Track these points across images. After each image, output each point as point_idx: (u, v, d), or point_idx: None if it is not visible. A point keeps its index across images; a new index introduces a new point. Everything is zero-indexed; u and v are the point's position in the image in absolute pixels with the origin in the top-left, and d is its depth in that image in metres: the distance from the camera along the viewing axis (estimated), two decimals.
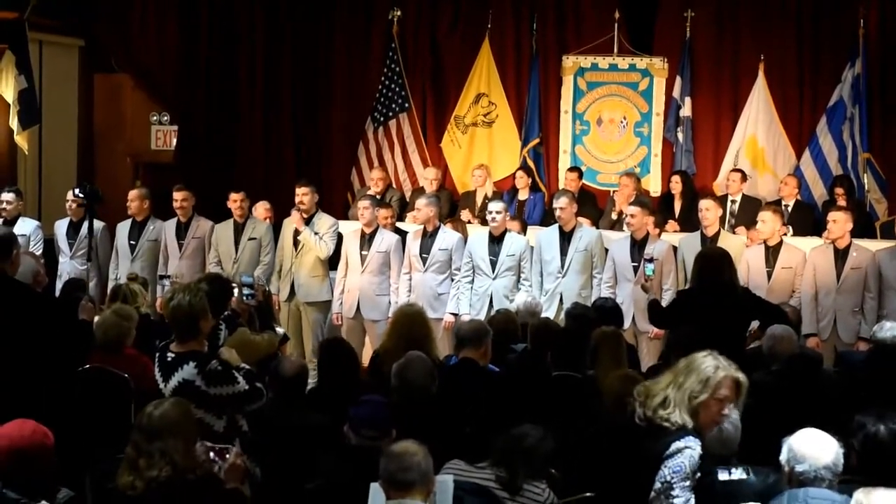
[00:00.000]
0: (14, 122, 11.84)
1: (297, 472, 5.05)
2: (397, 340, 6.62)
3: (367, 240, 10.15)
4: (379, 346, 7.23)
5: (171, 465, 4.51)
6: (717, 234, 9.75)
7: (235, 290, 7.60)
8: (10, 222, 10.39)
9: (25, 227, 10.48)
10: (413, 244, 10.13)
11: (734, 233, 10.55)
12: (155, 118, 13.80)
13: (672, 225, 11.03)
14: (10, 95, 11.78)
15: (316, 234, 10.09)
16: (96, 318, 6.92)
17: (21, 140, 11.94)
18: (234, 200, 10.52)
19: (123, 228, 10.81)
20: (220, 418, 5.35)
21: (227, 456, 5.01)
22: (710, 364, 4.55)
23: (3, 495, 4.31)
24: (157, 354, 5.66)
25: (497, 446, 4.87)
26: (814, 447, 4.35)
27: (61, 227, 10.90)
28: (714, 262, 7.60)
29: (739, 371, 4.61)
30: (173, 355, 5.50)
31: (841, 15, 12.13)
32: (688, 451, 4.40)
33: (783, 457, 4.42)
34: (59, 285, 9.95)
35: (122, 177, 13.42)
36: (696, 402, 4.49)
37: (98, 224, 10.31)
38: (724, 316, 7.16)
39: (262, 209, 10.91)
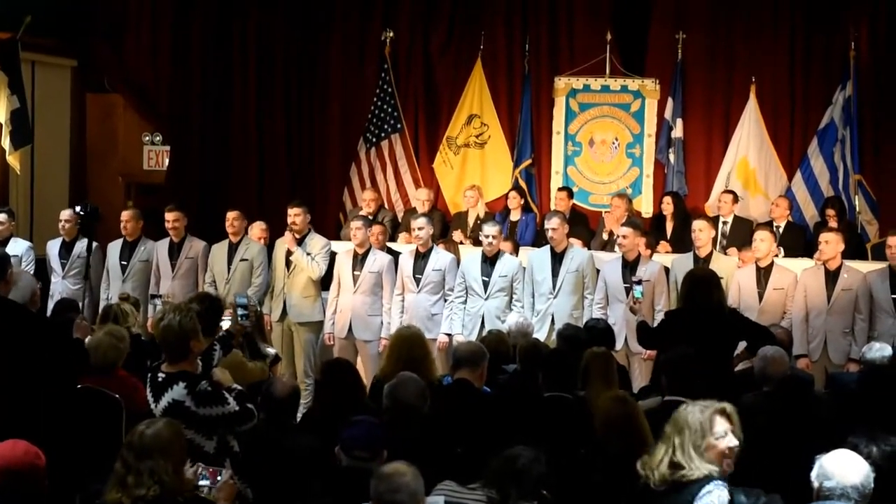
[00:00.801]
0: (6, 142, 11.86)
1: (289, 494, 5.05)
2: (396, 363, 6.61)
3: (359, 260, 10.16)
4: (379, 371, 7.22)
5: (159, 485, 4.50)
6: (710, 254, 9.77)
7: (229, 312, 7.66)
8: (2, 243, 10.40)
9: (17, 247, 10.49)
10: (406, 265, 10.14)
11: (725, 254, 10.57)
12: (147, 138, 13.83)
13: (664, 246, 11.05)
14: (2, 115, 11.79)
15: (308, 254, 10.10)
16: (89, 338, 6.93)
17: (13, 160, 11.96)
18: (229, 220, 10.51)
19: (114, 248, 10.80)
20: (210, 439, 5.35)
21: (219, 477, 5.01)
22: (694, 410, 4.55)
23: None
24: (149, 374, 5.66)
25: (490, 467, 4.87)
26: (844, 466, 4.38)
27: (53, 247, 10.90)
28: (702, 284, 7.63)
29: (722, 402, 4.61)
30: (164, 375, 5.50)
31: (832, 37, 12.19)
32: (716, 492, 4.37)
33: (813, 473, 4.44)
34: (50, 305, 9.94)
35: (114, 197, 13.43)
36: (703, 449, 4.45)
37: (92, 244, 10.31)
38: (712, 337, 7.18)
39: (257, 230, 10.91)
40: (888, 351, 7.48)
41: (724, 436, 4.45)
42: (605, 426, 5.40)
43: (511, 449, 4.89)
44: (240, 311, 6.85)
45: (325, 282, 10.31)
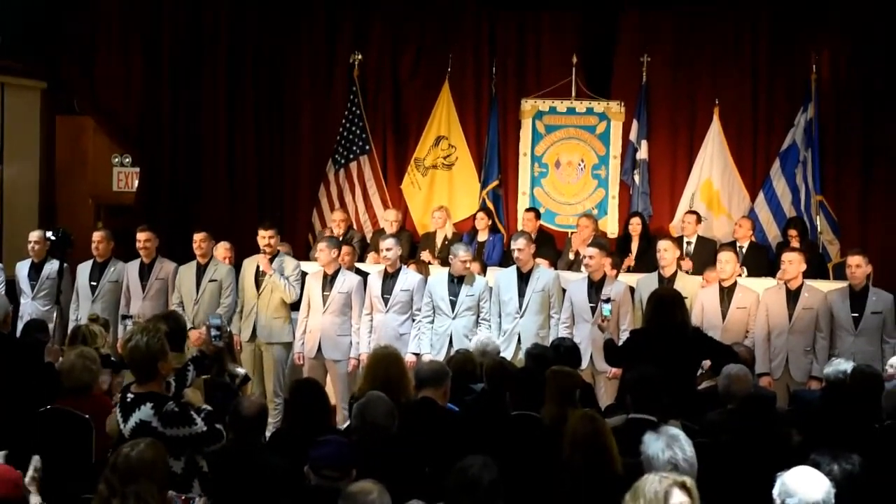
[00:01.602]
0: None
1: None
2: (373, 382, 6.58)
3: (328, 280, 10.17)
4: (357, 389, 7.21)
5: None
6: (675, 274, 9.84)
7: (200, 332, 7.65)
8: None
9: None
10: (375, 285, 10.15)
11: (687, 273, 10.64)
12: (117, 160, 13.80)
13: (629, 259, 11.12)
14: None
15: (284, 277, 10.10)
16: (60, 360, 6.91)
17: None
18: (196, 241, 10.48)
19: (84, 269, 10.77)
20: (178, 459, 5.32)
21: None
22: (654, 480, 4.50)
23: None
24: (119, 395, 5.66)
25: (446, 485, 4.88)
26: (806, 483, 4.42)
27: (23, 268, 10.85)
28: (667, 303, 7.67)
29: (683, 476, 4.57)
30: (132, 396, 5.50)
31: (794, 61, 12.30)
32: None
33: (775, 490, 4.47)
34: (20, 326, 9.89)
35: (84, 218, 13.39)
36: None
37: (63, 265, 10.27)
38: (676, 356, 7.22)
39: (222, 249, 10.88)
40: (848, 366, 7.55)
41: None
42: (573, 444, 5.41)
43: (461, 461, 4.91)
44: (213, 332, 6.86)
45: (294, 303, 10.31)
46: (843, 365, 7.54)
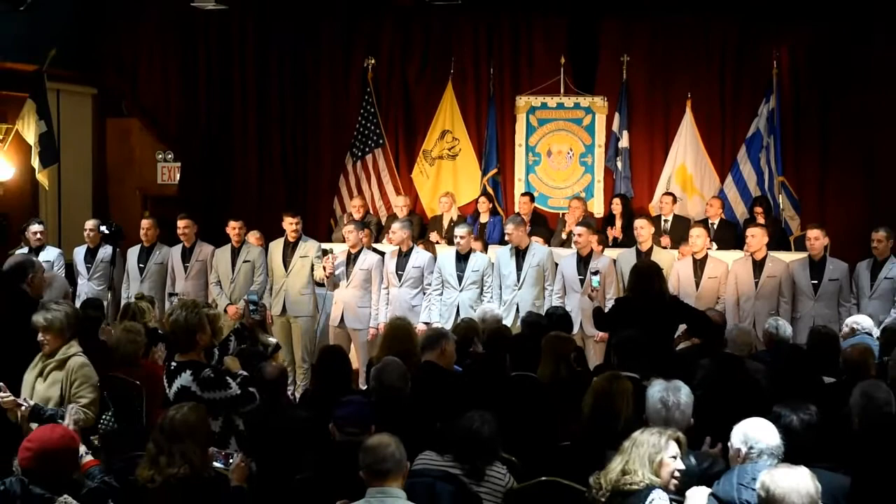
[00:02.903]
0: (36, 162, 11.80)
1: (287, 466, 5.06)
2: (388, 349, 6.58)
3: (352, 259, 10.19)
4: (374, 356, 7.21)
5: (188, 465, 4.54)
6: (651, 249, 9.82)
7: (240, 306, 7.64)
8: (38, 250, 10.40)
9: (49, 254, 10.47)
10: (390, 263, 10.18)
11: (662, 246, 10.61)
12: (160, 156, 13.81)
13: (612, 231, 11.12)
14: (31, 138, 11.73)
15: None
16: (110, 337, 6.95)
17: (42, 177, 11.91)
18: (233, 228, 10.49)
19: (133, 253, 10.80)
20: (216, 419, 5.35)
21: (231, 459, 5.02)
22: (654, 431, 4.47)
23: (29, 491, 4.33)
24: (165, 363, 5.68)
25: (450, 440, 4.89)
26: (764, 431, 4.47)
27: (79, 253, 10.88)
28: (646, 274, 7.67)
29: (677, 431, 4.56)
30: (175, 364, 5.53)
31: (757, 58, 12.25)
32: (658, 501, 4.27)
33: (737, 439, 4.49)
34: (77, 304, 9.91)
35: (132, 207, 13.42)
36: (655, 463, 4.35)
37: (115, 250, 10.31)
38: (655, 320, 7.21)
39: (252, 237, 10.91)
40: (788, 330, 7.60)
41: (675, 458, 4.39)
42: (594, 395, 5.35)
43: (463, 417, 4.92)
44: (251, 307, 6.89)
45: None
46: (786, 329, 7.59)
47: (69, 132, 12.67)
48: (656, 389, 4.90)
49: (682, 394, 4.88)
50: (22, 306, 6.07)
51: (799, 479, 3.87)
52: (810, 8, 11.86)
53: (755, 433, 4.46)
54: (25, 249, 10.53)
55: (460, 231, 10.00)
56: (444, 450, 4.97)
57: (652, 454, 4.35)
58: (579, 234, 9.77)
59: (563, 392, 6.18)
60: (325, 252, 10.21)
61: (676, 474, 4.39)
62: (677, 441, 4.45)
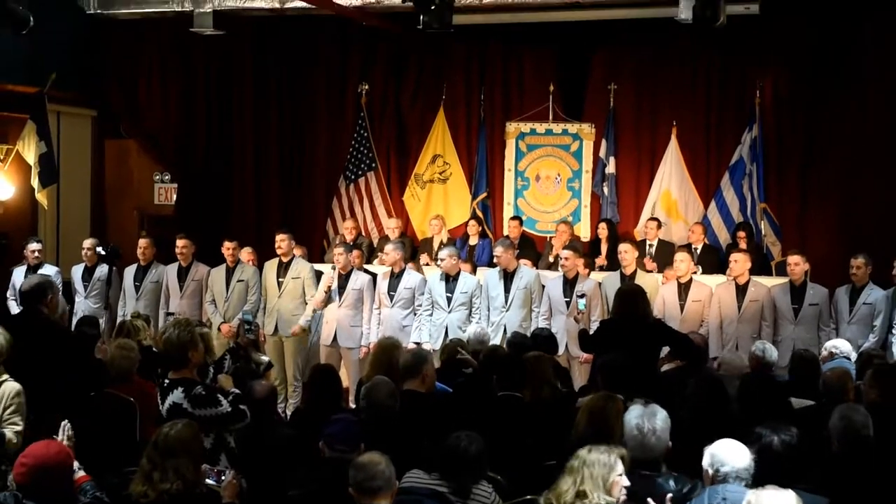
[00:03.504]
0: (35, 182, 11.80)
1: (277, 483, 5.04)
2: (378, 368, 6.56)
3: (343, 279, 10.18)
4: (364, 375, 7.17)
5: (181, 481, 4.51)
6: (634, 272, 9.83)
7: (232, 325, 7.60)
8: (35, 268, 10.40)
9: (47, 272, 10.40)
10: (382, 283, 10.18)
11: (648, 270, 10.63)
12: (158, 177, 13.82)
13: (601, 259, 11.12)
14: (31, 158, 11.73)
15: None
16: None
17: (41, 197, 11.90)
18: (227, 248, 10.52)
19: (130, 272, 10.81)
20: (207, 436, 5.31)
21: (223, 476, 5.00)
22: (600, 450, 4.44)
23: None
24: (159, 380, 5.66)
25: (437, 458, 4.86)
26: (733, 452, 4.44)
27: (77, 271, 10.88)
28: (630, 297, 7.65)
29: (621, 448, 4.55)
30: (168, 381, 5.51)
31: (740, 87, 12.28)
32: None
33: (706, 461, 4.47)
34: (74, 321, 9.90)
35: (130, 227, 13.43)
36: (610, 480, 4.34)
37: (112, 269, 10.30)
38: (639, 343, 7.19)
39: (245, 254, 10.91)
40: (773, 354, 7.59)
41: (622, 475, 4.39)
42: (590, 417, 5.33)
43: (451, 437, 4.90)
44: (246, 327, 6.87)
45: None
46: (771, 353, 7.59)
47: (68, 153, 12.68)
48: (633, 415, 4.85)
49: (658, 419, 4.84)
50: (41, 328, 6.05)
51: (784, 502, 3.87)
52: (791, 40, 11.93)
53: (722, 455, 4.44)
54: (24, 267, 10.54)
55: (443, 254, 10.05)
56: (432, 468, 4.95)
57: (605, 475, 4.34)
58: (566, 258, 9.78)
59: (547, 412, 6.17)
60: (317, 273, 10.23)
61: (624, 491, 4.38)
62: (622, 458, 4.45)
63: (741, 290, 9.49)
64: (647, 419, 4.81)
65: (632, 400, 5.53)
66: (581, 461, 4.36)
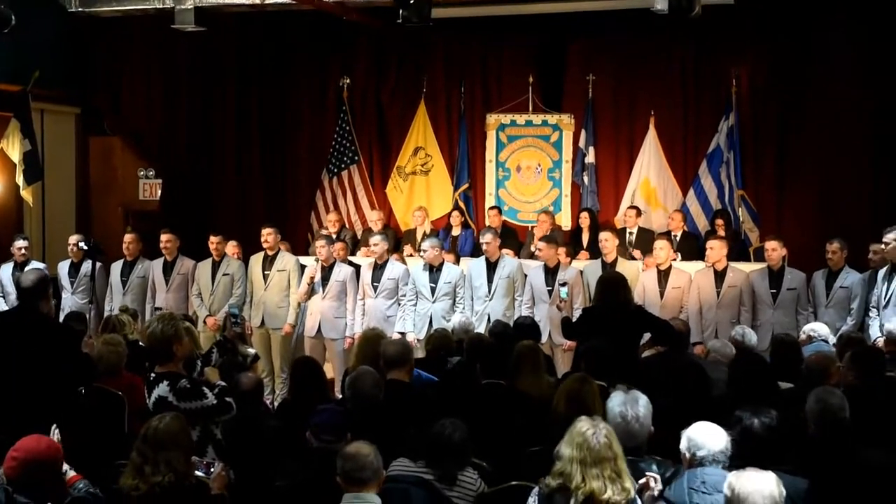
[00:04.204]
0: (20, 179, 11.72)
1: (265, 473, 5.03)
2: (363, 359, 6.55)
3: (326, 271, 10.17)
4: (349, 367, 7.17)
5: (173, 473, 4.51)
6: (615, 260, 9.85)
7: (217, 318, 7.56)
8: (22, 265, 10.34)
9: (34, 269, 10.39)
10: (366, 274, 10.17)
11: (633, 258, 10.66)
12: (142, 173, 13.72)
13: (583, 254, 11.13)
14: (16, 156, 11.65)
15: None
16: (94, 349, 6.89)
17: (26, 194, 11.83)
18: (213, 242, 10.50)
19: (116, 267, 10.75)
20: (193, 428, 5.30)
21: (212, 469, 4.99)
22: (586, 420, 4.29)
23: (14, 500, 4.29)
24: (146, 374, 5.64)
25: (423, 446, 4.86)
26: (710, 436, 4.45)
27: (63, 267, 10.81)
28: (611, 285, 7.67)
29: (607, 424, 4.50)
30: (154, 375, 5.49)
31: (716, 77, 12.32)
32: None
33: (683, 445, 4.49)
34: (61, 317, 9.86)
35: (115, 223, 13.32)
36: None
37: (96, 265, 10.25)
38: (620, 329, 7.21)
39: (230, 248, 10.89)
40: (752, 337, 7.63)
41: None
42: (566, 398, 5.37)
43: (436, 425, 4.90)
44: (233, 320, 6.87)
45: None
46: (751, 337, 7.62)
47: (53, 150, 12.58)
48: (615, 402, 4.84)
49: (640, 405, 4.84)
50: (39, 323, 6.03)
51: (764, 483, 3.89)
52: (766, 29, 11.96)
53: (699, 438, 4.46)
54: (11, 265, 10.48)
55: (426, 244, 10.07)
56: (417, 456, 4.96)
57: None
58: (540, 249, 9.92)
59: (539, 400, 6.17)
60: (301, 267, 10.23)
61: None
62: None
63: (719, 276, 9.51)
64: (630, 406, 4.81)
65: (614, 386, 5.55)
66: (569, 435, 4.21)
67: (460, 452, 4.89)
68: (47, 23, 12.21)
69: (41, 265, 10.67)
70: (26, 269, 10.22)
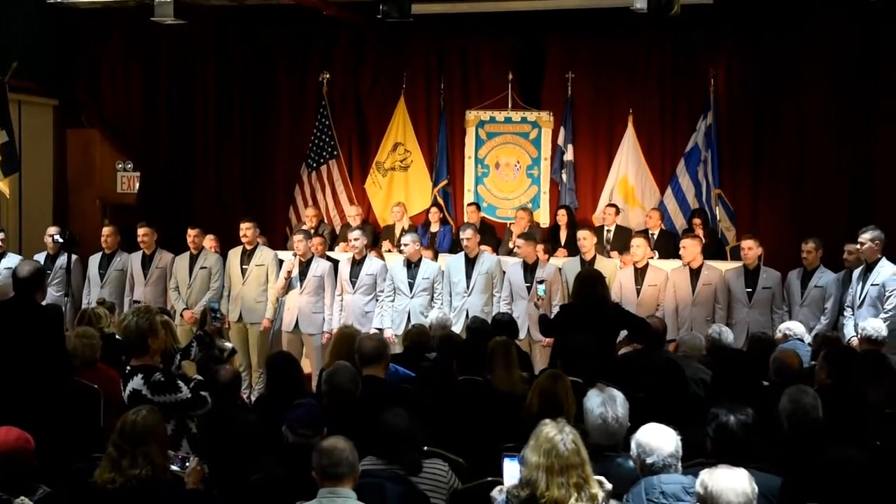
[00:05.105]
0: None
1: (240, 467, 5.01)
2: (338, 356, 6.55)
3: (304, 266, 10.14)
4: (325, 363, 7.15)
5: (150, 466, 4.48)
6: (594, 258, 9.87)
7: (194, 311, 7.51)
8: None
9: (10, 261, 10.29)
10: (344, 270, 10.17)
11: (610, 257, 10.68)
12: (120, 166, 13.65)
13: (561, 252, 11.14)
14: None
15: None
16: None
17: (3, 186, 11.74)
18: (190, 235, 10.47)
19: (94, 260, 10.73)
20: (167, 422, 5.28)
21: (188, 463, 4.96)
22: (551, 425, 4.11)
23: None
24: (122, 367, 5.61)
25: (375, 444, 4.83)
26: (658, 440, 4.38)
27: (39, 259, 10.70)
28: (589, 282, 7.69)
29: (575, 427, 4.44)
30: (129, 368, 5.46)
31: (695, 76, 12.33)
32: None
33: (633, 451, 4.42)
34: None
35: (92, 216, 13.28)
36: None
37: (72, 258, 10.19)
38: (597, 327, 7.22)
39: (208, 241, 10.84)
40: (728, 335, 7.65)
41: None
42: (539, 395, 5.40)
43: (377, 420, 4.88)
44: (212, 314, 6.84)
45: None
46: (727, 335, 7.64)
47: (30, 142, 12.50)
48: (594, 403, 4.81)
49: (618, 404, 4.83)
50: (35, 314, 5.99)
51: (737, 480, 3.89)
52: (744, 28, 12.00)
53: (647, 444, 4.39)
54: None
55: (406, 239, 10.06)
56: (368, 452, 4.88)
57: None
58: (518, 246, 9.94)
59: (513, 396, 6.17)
60: (280, 261, 10.20)
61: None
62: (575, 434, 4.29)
63: (695, 275, 9.56)
64: (609, 406, 4.79)
65: (591, 383, 5.56)
66: (535, 439, 4.08)
67: (408, 438, 4.87)
68: (26, 14, 12.13)
69: (17, 257, 10.60)
70: (5, 260, 10.19)
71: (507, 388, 6.28)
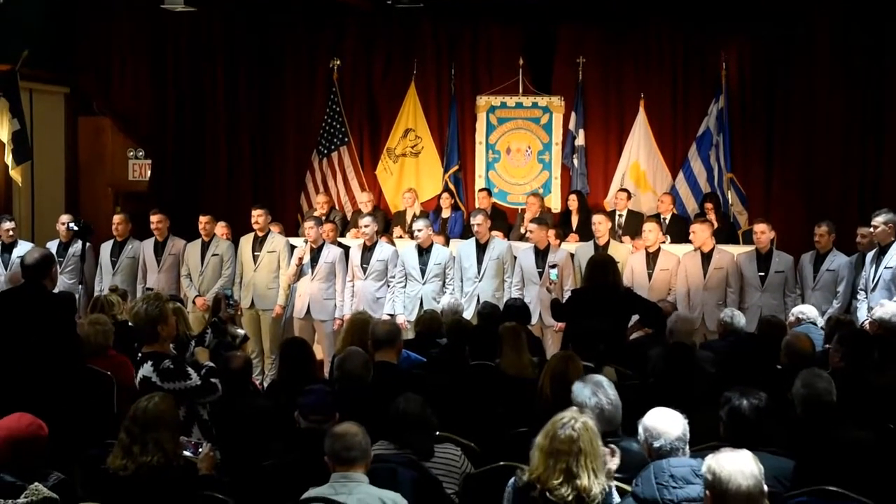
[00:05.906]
0: (9, 159, 11.64)
1: (253, 453, 5.02)
2: (351, 342, 6.56)
3: (315, 253, 10.15)
4: (337, 349, 7.16)
5: (162, 453, 4.49)
6: (608, 243, 9.86)
7: (207, 298, 7.52)
8: (10, 246, 10.30)
9: (22, 249, 10.31)
10: (355, 256, 10.17)
11: (621, 241, 10.66)
12: (132, 153, 13.65)
13: (573, 237, 11.13)
14: (4, 136, 11.58)
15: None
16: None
17: (15, 174, 11.75)
18: (202, 222, 10.48)
19: (106, 248, 10.74)
20: (179, 408, 5.29)
21: (200, 449, 4.98)
22: (568, 415, 4.19)
23: (1, 479, 4.27)
24: (134, 354, 5.63)
25: (388, 429, 4.82)
26: (665, 423, 4.35)
27: (51, 247, 10.68)
28: (601, 267, 7.68)
29: (590, 416, 4.45)
30: (140, 355, 5.48)
31: (706, 59, 12.31)
32: None
33: (640, 436, 4.40)
34: None
35: (104, 204, 13.29)
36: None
37: (86, 245, 10.21)
38: (609, 311, 7.23)
39: (220, 228, 10.86)
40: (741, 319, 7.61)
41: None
42: (550, 377, 5.40)
43: (392, 404, 4.88)
44: (228, 301, 6.86)
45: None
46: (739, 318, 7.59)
47: (42, 130, 12.50)
48: (586, 395, 4.77)
49: (607, 387, 4.80)
50: (44, 301, 6.01)
51: (743, 462, 3.87)
52: (755, 12, 11.95)
53: (654, 428, 4.36)
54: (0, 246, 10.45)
55: (418, 225, 10.03)
56: (381, 437, 4.88)
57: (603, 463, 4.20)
58: (531, 231, 9.92)
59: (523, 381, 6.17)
60: (291, 248, 10.21)
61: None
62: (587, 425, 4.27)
63: (706, 259, 9.54)
64: (601, 393, 4.77)
65: (602, 368, 5.56)
66: (552, 426, 4.16)
67: (421, 423, 4.85)
68: (36, 2, 12.12)
69: (29, 245, 10.63)
70: (17, 248, 10.22)
71: (517, 373, 6.30)
